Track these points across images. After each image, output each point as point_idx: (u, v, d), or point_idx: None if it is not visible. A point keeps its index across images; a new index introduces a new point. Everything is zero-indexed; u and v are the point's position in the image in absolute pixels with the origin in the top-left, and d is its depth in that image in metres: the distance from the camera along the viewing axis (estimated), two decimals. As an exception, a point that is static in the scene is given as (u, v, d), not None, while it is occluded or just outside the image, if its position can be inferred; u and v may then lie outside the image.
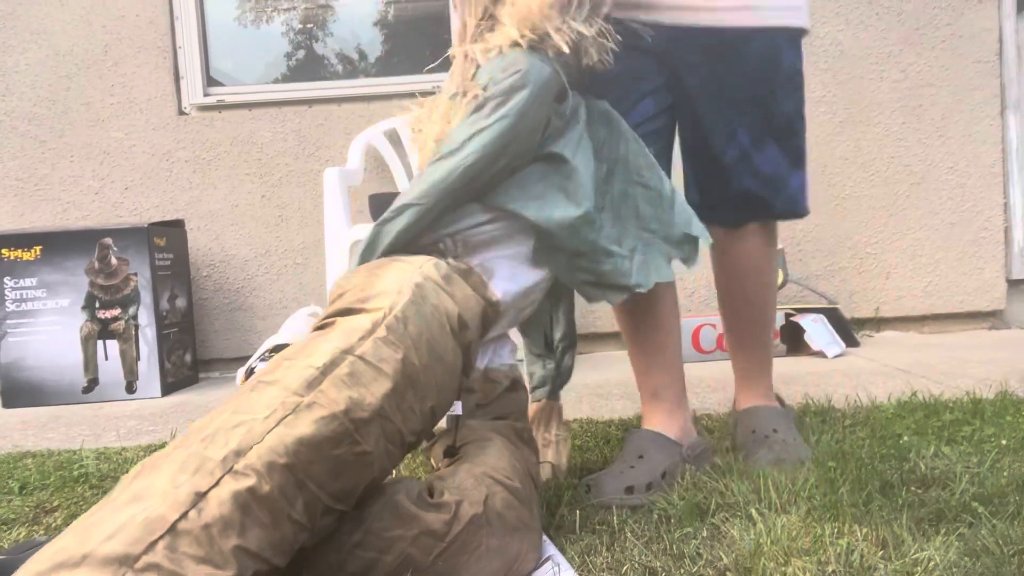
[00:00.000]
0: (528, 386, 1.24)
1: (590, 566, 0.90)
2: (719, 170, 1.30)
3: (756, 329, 1.44)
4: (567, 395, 2.04)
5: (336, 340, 0.82)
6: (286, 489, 0.71)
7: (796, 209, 1.36)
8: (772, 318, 1.48)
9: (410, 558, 0.80)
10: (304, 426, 0.73)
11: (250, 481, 0.68)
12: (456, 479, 0.91)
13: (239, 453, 0.70)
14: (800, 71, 1.34)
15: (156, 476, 0.68)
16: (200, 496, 0.66)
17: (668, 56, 1.25)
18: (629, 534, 0.99)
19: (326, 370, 0.78)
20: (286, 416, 0.73)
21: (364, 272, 0.94)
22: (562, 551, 0.94)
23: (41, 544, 0.89)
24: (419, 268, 0.93)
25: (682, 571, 0.87)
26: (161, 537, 0.63)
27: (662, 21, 1.24)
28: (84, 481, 1.38)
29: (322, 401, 0.76)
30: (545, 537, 0.96)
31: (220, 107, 2.93)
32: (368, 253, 1.01)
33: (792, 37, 1.31)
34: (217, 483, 0.67)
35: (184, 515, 0.65)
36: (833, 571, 0.84)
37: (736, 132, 1.27)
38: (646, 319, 1.35)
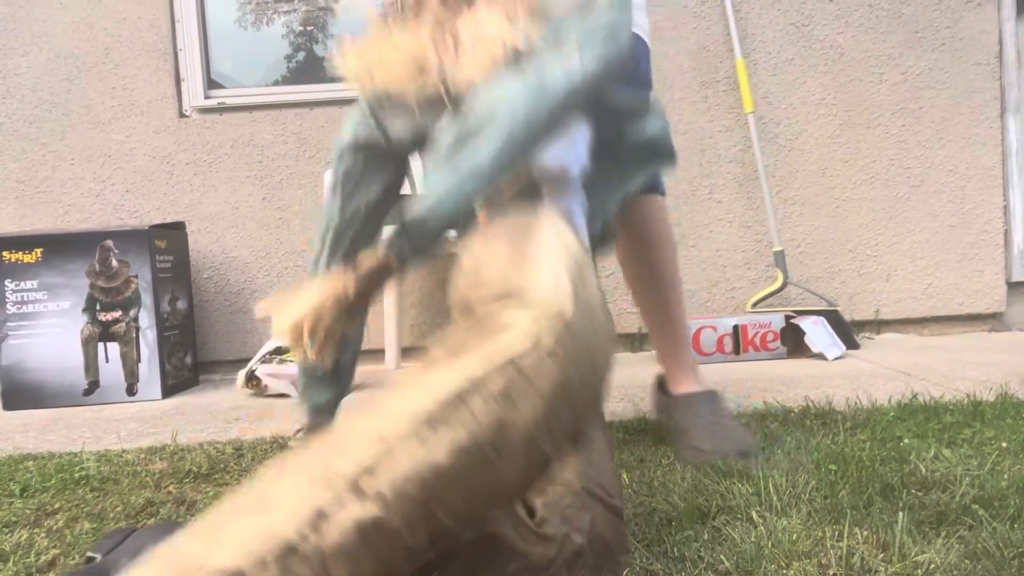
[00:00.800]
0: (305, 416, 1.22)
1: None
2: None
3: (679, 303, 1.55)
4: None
5: (493, 346, 0.69)
6: (412, 520, 0.64)
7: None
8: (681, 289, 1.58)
9: None
10: (443, 450, 0.65)
11: (376, 511, 0.63)
12: (559, 499, 0.82)
13: (370, 472, 0.64)
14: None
15: (285, 483, 0.65)
16: (322, 516, 0.62)
17: None
18: (630, 537, 0.99)
19: (478, 383, 0.67)
20: (426, 435, 0.65)
21: (507, 251, 0.79)
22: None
23: (133, 532, 0.87)
24: (568, 250, 0.78)
25: (683, 574, 0.87)
26: (278, 556, 0.60)
27: None
28: (85, 483, 1.38)
29: (467, 421, 0.66)
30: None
31: (221, 109, 2.93)
32: (452, 199, 0.85)
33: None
34: (341, 505, 0.62)
35: (303, 535, 0.61)
36: (834, 574, 0.84)
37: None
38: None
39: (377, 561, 0.63)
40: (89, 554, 0.91)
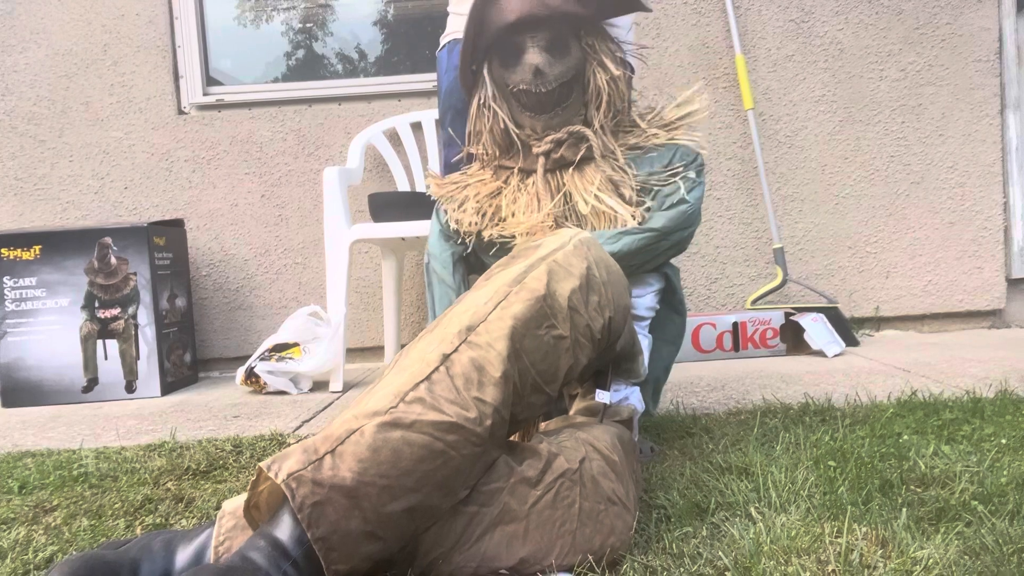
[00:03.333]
0: None
1: (591, 566, 0.90)
2: None
3: None
4: (567, 394, 2.04)
5: (538, 251, 0.99)
6: (507, 356, 0.87)
7: None
8: None
9: (508, 507, 0.86)
10: (515, 306, 0.91)
11: (481, 349, 0.87)
12: (557, 436, 0.99)
13: (471, 328, 0.89)
14: None
15: (412, 351, 0.90)
16: (446, 357, 0.86)
17: None
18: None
19: (529, 269, 0.96)
20: (501, 301, 0.92)
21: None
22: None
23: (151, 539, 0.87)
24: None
25: (682, 570, 0.87)
26: (422, 381, 0.84)
27: None
28: (84, 480, 1.38)
29: (527, 287, 0.93)
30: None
31: (220, 106, 2.93)
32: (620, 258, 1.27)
33: None
34: (456, 349, 0.87)
35: (436, 369, 0.85)
36: (833, 570, 0.84)
37: None
38: None
39: (495, 389, 0.86)
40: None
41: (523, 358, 0.89)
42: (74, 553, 0.81)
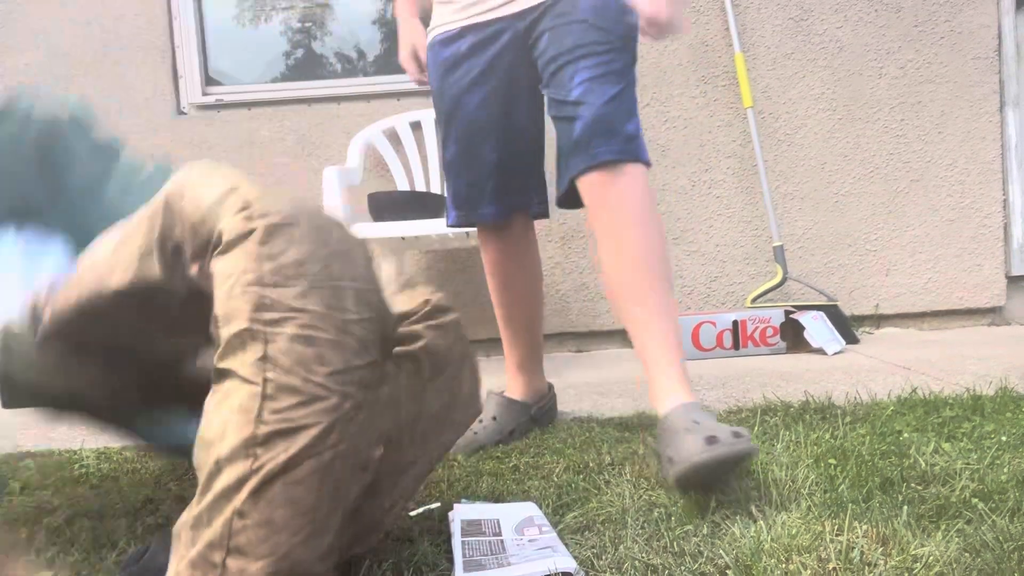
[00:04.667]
0: None
1: (592, 564, 0.90)
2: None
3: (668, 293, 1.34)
4: (568, 391, 2.05)
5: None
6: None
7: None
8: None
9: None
10: None
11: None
12: None
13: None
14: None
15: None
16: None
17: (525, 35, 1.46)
18: (630, 535, 0.99)
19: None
20: None
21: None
22: (567, 548, 0.94)
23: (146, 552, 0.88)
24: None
25: (683, 568, 0.87)
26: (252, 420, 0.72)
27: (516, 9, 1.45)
28: (84, 481, 1.38)
29: None
30: (554, 535, 0.96)
31: (219, 107, 2.93)
32: None
33: None
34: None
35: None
36: (833, 568, 0.84)
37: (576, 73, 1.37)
38: (516, 297, 1.63)
39: None
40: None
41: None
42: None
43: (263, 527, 0.68)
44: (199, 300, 0.80)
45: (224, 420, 0.71)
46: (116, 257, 0.84)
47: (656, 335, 1.29)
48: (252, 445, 0.69)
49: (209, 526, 0.68)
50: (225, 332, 0.73)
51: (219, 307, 0.74)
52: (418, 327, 0.92)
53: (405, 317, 0.94)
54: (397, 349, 0.90)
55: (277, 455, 0.69)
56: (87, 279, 0.87)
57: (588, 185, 1.35)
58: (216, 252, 0.76)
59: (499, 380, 2.33)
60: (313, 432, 0.70)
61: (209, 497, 0.69)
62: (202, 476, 0.71)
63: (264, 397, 0.70)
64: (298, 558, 0.69)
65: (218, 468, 0.70)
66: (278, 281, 0.73)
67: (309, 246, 0.75)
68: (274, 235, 0.74)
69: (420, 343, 0.91)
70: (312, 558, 0.71)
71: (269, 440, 0.69)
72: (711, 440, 1.04)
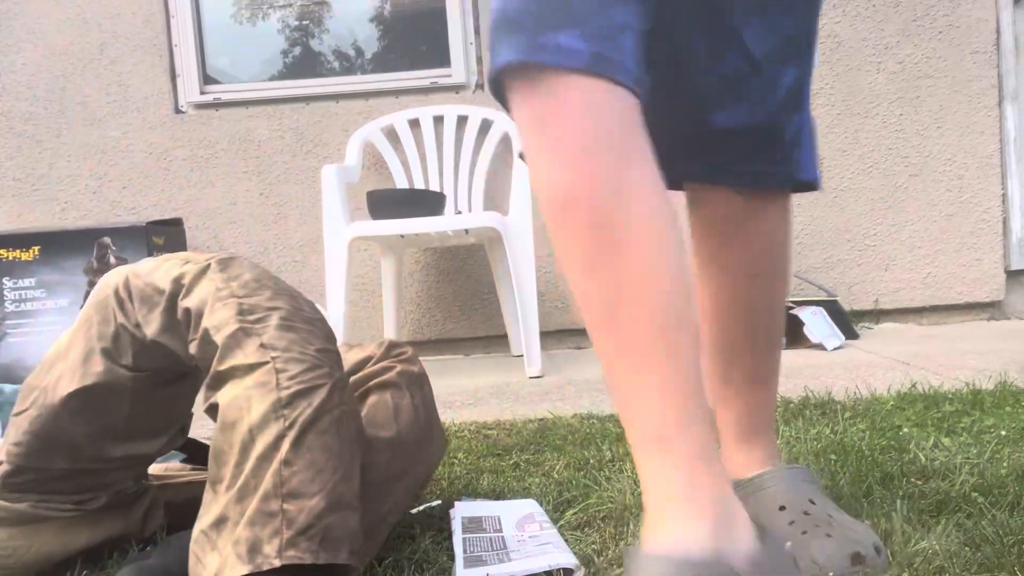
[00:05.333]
0: None
1: (592, 560, 0.90)
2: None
3: (773, 345, 1.00)
4: (568, 388, 2.05)
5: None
6: None
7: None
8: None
9: None
10: None
11: None
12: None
13: None
14: None
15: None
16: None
17: None
18: (631, 532, 0.99)
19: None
20: None
21: None
22: (568, 544, 0.95)
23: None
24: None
25: (683, 564, 0.87)
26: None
27: None
28: None
29: None
30: (554, 531, 0.96)
31: (217, 105, 2.92)
32: None
33: None
34: None
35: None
36: (834, 563, 0.84)
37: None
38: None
39: None
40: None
41: None
42: (125, 568, 0.83)
43: (309, 469, 0.76)
44: (146, 399, 0.91)
45: (245, 397, 0.78)
46: (56, 372, 0.90)
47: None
48: (279, 408, 0.77)
49: (258, 485, 0.75)
50: (219, 338, 0.82)
51: (206, 321, 0.83)
52: (385, 362, 1.04)
53: (368, 360, 1.05)
54: (375, 380, 1.01)
55: (304, 410, 0.78)
56: (34, 400, 0.90)
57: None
58: (183, 296, 0.86)
59: (496, 378, 2.34)
60: (324, 391, 0.80)
61: (250, 464, 0.76)
62: (231, 456, 0.77)
63: (277, 370, 0.79)
64: (342, 492, 0.77)
65: (251, 437, 0.77)
66: (247, 292, 0.85)
67: (257, 270, 0.89)
68: (227, 264, 0.88)
69: (394, 371, 1.02)
70: (351, 495, 0.79)
71: (292, 401, 0.78)
72: (856, 560, 0.80)
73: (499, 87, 0.70)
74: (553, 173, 0.65)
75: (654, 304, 0.64)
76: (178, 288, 0.86)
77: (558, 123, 0.65)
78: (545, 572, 0.85)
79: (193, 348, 0.84)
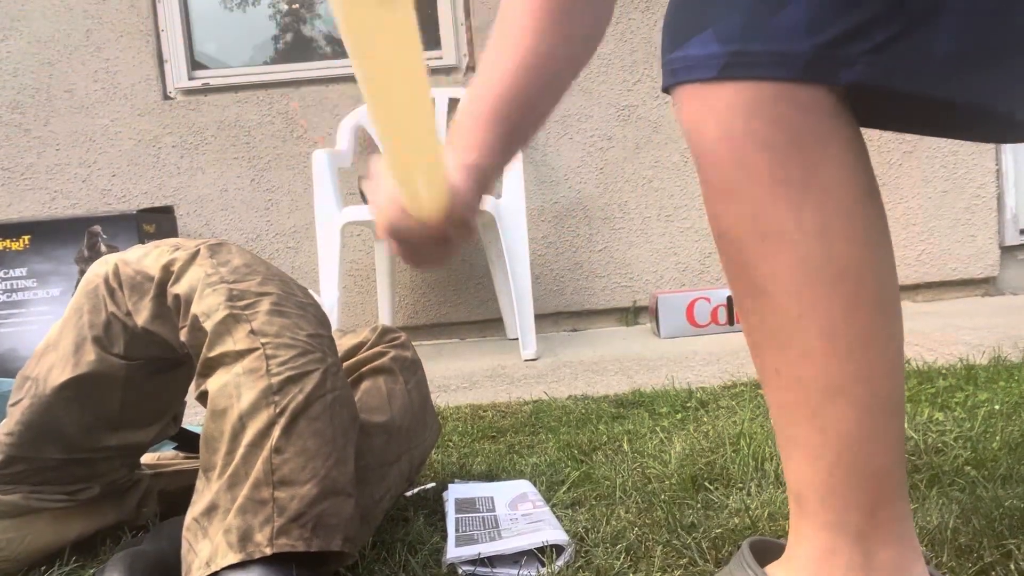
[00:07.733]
0: None
1: (584, 537, 0.90)
2: None
3: None
4: (563, 370, 2.05)
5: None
6: None
7: None
8: None
9: None
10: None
11: None
12: None
13: None
14: None
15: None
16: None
17: None
18: (622, 510, 0.99)
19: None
20: None
21: None
22: (560, 522, 0.95)
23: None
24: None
25: (677, 542, 0.87)
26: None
27: None
28: None
29: None
30: (547, 509, 0.96)
31: (206, 90, 2.89)
32: None
33: None
34: None
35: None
36: (827, 538, 0.84)
37: None
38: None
39: None
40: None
41: None
42: (117, 554, 0.83)
43: (300, 456, 0.75)
44: (138, 388, 0.90)
45: (235, 383, 0.78)
46: (48, 361, 0.89)
47: None
48: (269, 394, 0.77)
49: (248, 473, 0.74)
50: (209, 324, 0.81)
51: (195, 308, 0.82)
52: (379, 347, 1.03)
53: (361, 345, 1.04)
54: (369, 365, 1.00)
55: (295, 396, 0.77)
56: (27, 390, 0.89)
57: None
58: (172, 283, 0.84)
59: (492, 361, 2.34)
60: (316, 376, 0.79)
61: (240, 452, 0.75)
62: (222, 444, 0.76)
63: (267, 356, 0.78)
64: (336, 478, 0.77)
65: (242, 424, 0.76)
66: (237, 278, 0.84)
67: (247, 255, 0.88)
68: (216, 250, 0.86)
69: (387, 356, 1.01)
70: (345, 480, 0.78)
71: (283, 387, 0.77)
72: None
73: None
74: None
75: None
76: (167, 275, 0.85)
77: None
78: (536, 548, 0.85)
79: (183, 335, 0.83)
